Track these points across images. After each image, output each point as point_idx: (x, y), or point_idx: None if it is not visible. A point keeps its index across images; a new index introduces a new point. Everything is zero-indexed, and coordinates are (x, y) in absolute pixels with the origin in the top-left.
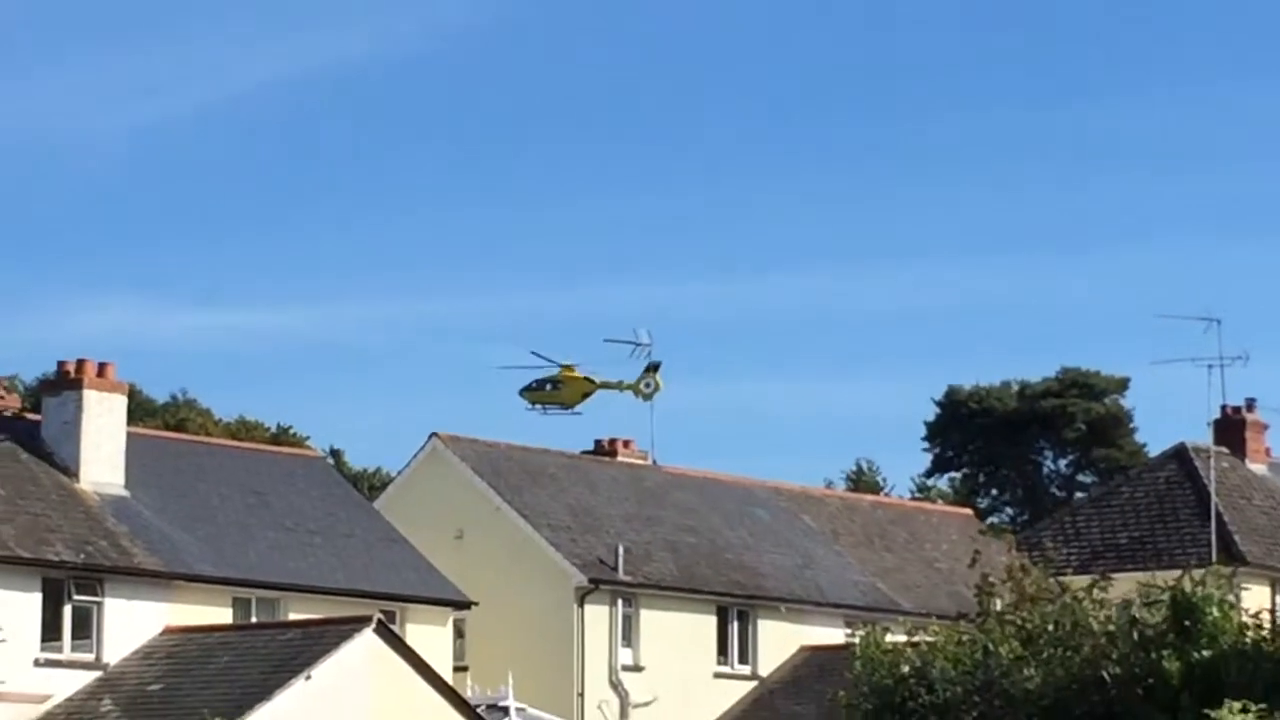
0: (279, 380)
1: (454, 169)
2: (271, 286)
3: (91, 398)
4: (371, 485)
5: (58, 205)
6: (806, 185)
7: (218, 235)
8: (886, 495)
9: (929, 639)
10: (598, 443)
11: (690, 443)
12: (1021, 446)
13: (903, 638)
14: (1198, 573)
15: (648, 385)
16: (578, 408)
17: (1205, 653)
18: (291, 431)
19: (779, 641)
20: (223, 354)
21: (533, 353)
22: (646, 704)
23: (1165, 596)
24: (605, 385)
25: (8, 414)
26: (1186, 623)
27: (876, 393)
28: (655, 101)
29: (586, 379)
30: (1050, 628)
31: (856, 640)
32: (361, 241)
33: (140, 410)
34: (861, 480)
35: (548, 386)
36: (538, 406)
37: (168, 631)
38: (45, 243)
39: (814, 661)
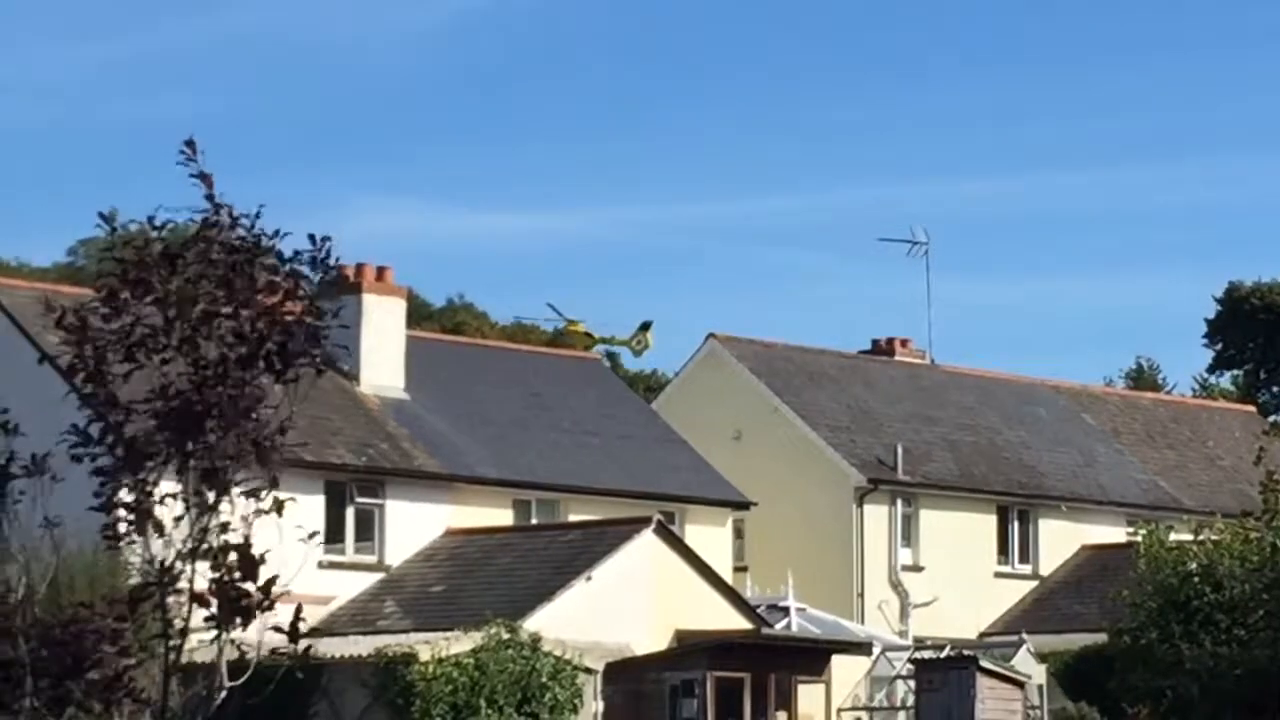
0: (554, 283)
1: (729, 72)
2: (548, 190)
3: (371, 301)
4: (648, 386)
5: (340, 109)
6: (1086, 82)
7: (496, 138)
8: (1167, 393)
9: (1214, 537)
10: (875, 342)
11: (968, 341)
12: None
13: (1186, 536)
14: None
15: (639, 343)
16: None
17: None
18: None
19: (1060, 540)
20: (498, 257)
21: (548, 304)
22: (927, 604)
23: None
24: (602, 340)
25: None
26: None
27: (1156, 289)
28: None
29: (586, 334)
30: None
31: (1139, 538)
32: (640, 145)
33: (417, 313)
34: (1142, 378)
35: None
36: None
37: (449, 533)
38: (326, 146)
39: (1095, 560)
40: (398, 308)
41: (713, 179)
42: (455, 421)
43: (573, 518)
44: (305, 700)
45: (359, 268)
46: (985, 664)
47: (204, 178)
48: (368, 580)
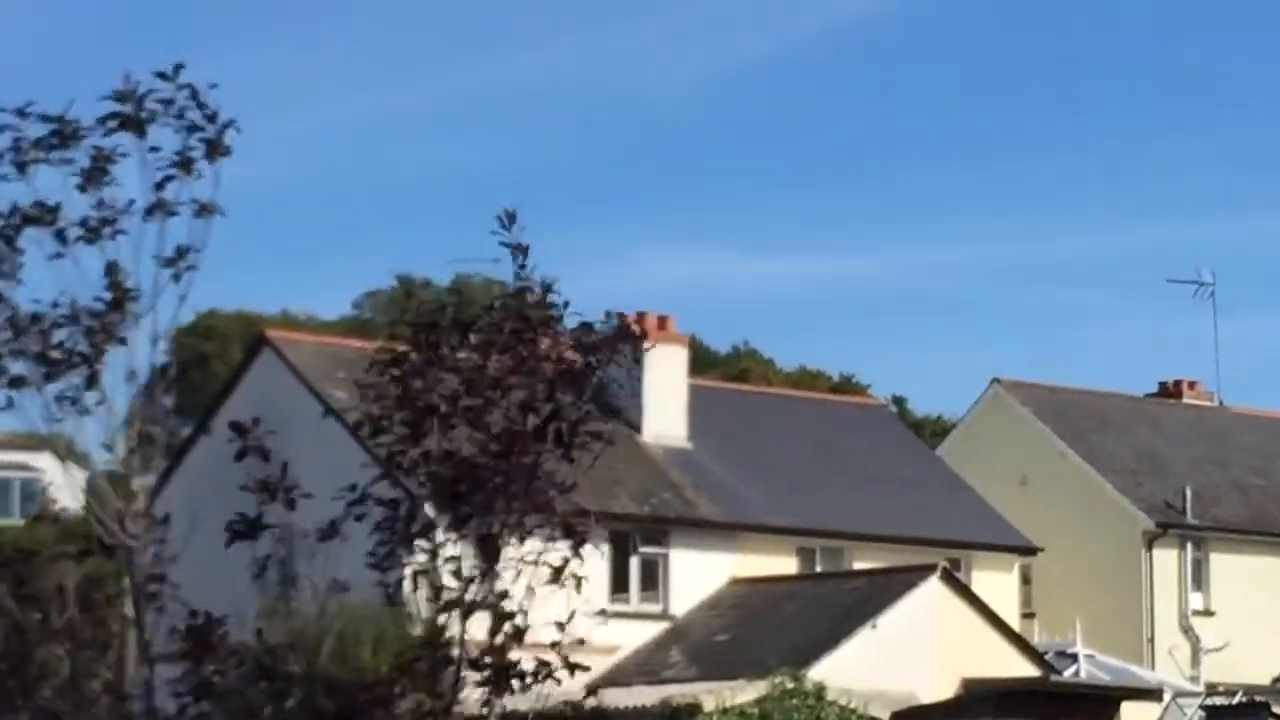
0: (841, 328)
1: (1007, 110)
2: (834, 235)
3: (654, 351)
4: (934, 432)
5: (627, 155)
6: None
7: (780, 183)
8: None
9: None
10: (1162, 384)
11: (1260, 381)
12: None
13: None
14: None
15: None
16: None
17: None
18: (854, 380)
19: None
20: (782, 303)
21: None
22: (1218, 649)
23: None
24: None
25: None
26: None
27: None
28: (1228, 33)
29: None
30: None
31: None
32: (921, 188)
33: (702, 361)
34: None
35: None
36: None
37: (733, 582)
38: (612, 192)
39: None
40: (680, 356)
41: (995, 220)
42: (738, 469)
43: (858, 565)
44: None
45: (641, 316)
46: (1277, 710)
47: (520, 249)
48: (653, 630)
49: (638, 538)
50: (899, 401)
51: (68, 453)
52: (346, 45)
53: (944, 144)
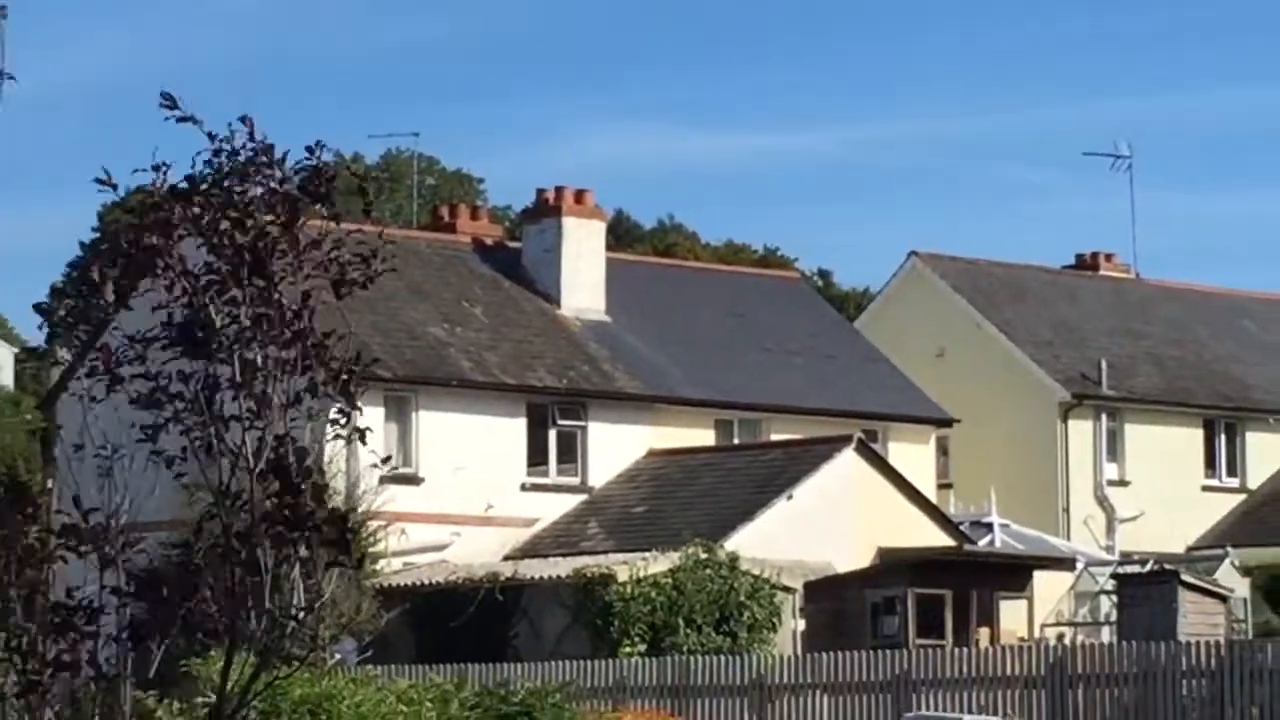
0: (769, 202)
1: None
2: (768, 111)
3: (570, 224)
4: (858, 305)
5: (564, 31)
6: None
7: (717, 60)
8: None
9: None
10: (1079, 257)
11: (1176, 254)
12: None
13: None
14: None
15: None
16: None
17: None
18: (778, 253)
19: (1268, 453)
20: (715, 178)
21: None
22: (1133, 518)
23: None
24: None
25: (490, 242)
26: None
27: None
28: None
29: None
30: None
31: None
32: (854, 65)
33: (629, 235)
34: None
35: None
36: None
37: (651, 454)
38: (553, 67)
39: None
40: (598, 230)
41: (917, 95)
42: (657, 343)
43: (775, 437)
44: (506, 621)
45: (558, 191)
46: (1187, 578)
47: (194, 120)
48: (571, 502)
49: (555, 410)
50: (824, 275)
51: None
52: None
53: (875, 21)
